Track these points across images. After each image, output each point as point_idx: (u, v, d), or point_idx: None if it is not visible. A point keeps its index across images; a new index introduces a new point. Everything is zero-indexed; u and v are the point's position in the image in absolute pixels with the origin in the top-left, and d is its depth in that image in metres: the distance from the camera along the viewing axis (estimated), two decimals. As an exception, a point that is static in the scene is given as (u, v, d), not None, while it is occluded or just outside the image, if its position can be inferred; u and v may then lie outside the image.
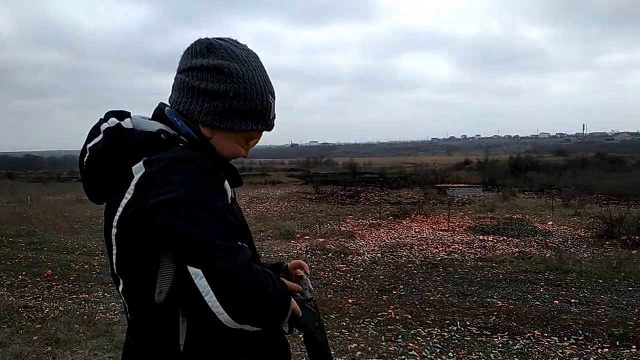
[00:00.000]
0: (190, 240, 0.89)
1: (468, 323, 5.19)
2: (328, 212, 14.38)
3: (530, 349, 4.47)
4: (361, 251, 8.82)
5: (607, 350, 4.48)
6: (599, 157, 43.14)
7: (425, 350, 4.42)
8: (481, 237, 9.90)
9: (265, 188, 24.10)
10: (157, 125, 1.07)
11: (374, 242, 9.65)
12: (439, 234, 10.36)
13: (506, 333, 4.88)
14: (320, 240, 9.66)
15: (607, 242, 9.49)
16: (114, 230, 1.01)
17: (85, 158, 1.08)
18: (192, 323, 0.99)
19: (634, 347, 4.54)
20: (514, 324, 5.16)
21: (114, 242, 1.02)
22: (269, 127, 1.15)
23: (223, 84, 1.06)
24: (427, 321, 5.27)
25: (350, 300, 6.11)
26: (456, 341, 4.68)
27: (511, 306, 5.82)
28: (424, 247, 9.09)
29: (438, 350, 4.42)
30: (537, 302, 5.96)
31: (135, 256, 0.99)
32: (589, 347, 4.56)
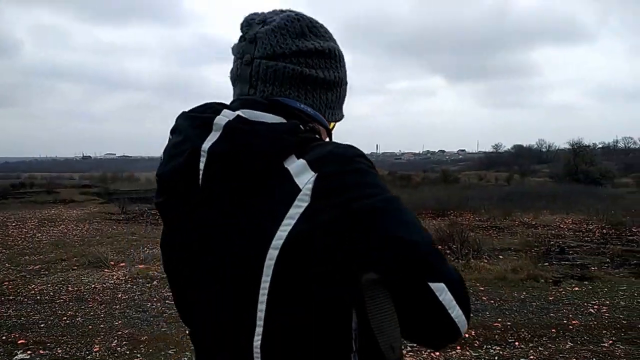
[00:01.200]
0: (427, 252, 0.76)
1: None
2: (142, 234, 13.51)
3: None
4: (188, 276, 8.45)
5: None
6: (392, 175, 48.32)
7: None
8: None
9: (56, 208, 21.58)
10: (274, 117, 0.85)
11: (200, 265, 9.33)
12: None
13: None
14: (141, 266, 9.00)
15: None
16: (271, 252, 0.76)
17: (203, 163, 0.81)
18: None
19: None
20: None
21: (268, 270, 0.77)
22: None
23: (336, 71, 0.95)
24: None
25: (187, 332, 5.77)
26: None
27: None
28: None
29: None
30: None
31: (317, 283, 0.77)
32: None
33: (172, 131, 0.91)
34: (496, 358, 4.82)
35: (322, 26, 0.96)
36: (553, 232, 14.35)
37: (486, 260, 9.75)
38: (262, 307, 0.78)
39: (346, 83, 0.99)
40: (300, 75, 0.90)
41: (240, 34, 0.95)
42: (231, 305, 0.82)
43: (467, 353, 4.97)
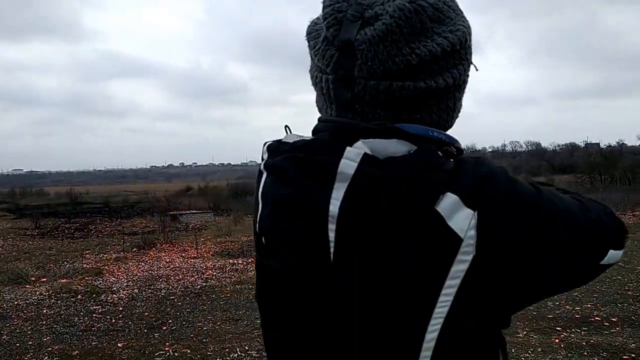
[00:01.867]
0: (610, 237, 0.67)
1: (247, 348, 5.15)
2: (59, 248, 12.51)
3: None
4: (115, 288, 7.91)
5: None
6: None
7: (220, 383, 4.23)
8: (231, 261, 9.98)
9: (-36, 225, 19.47)
10: (400, 144, 0.62)
11: (125, 277, 8.78)
12: (190, 261, 10.02)
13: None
14: (63, 281, 8.32)
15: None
16: (431, 334, 0.58)
17: (333, 232, 0.60)
18: None
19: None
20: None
21: (426, 352, 0.58)
22: None
23: (465, 60, 0.67)
24: (208, 352, 5.04)
25: (120, 345, 5.42)
26: (243, 368, 4.61)
27: (278, 324, 6.01)
28: (180, 276, 8.68)
29: (231, 381, 4.28)
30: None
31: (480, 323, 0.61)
32: None
33: (275, 172, 0.67)
34: None
35: (446, 1, 0.65)
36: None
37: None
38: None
39: (471, 57, 0.70)
40: (425, 91, 0.63)
41: (324, 31, 0.65)
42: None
43: None
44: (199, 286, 8.00)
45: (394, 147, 0.61)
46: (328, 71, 0.65)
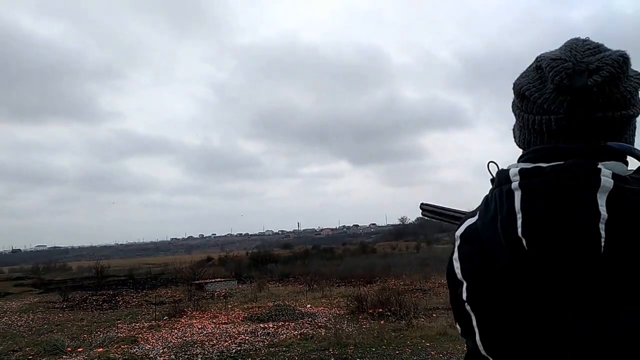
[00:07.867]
0: None
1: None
2: (90, 319, 12.47)
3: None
4: (152, 355, 7.84)
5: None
6: (315, 249, 48.47)
7: None
8: (261, 325, 9.88)
9: (-8, 301, 19.42)
10: (619, 165, 0.79)
11: (161, 344, 8.70)
12: (222, 327, 9.92)
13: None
14: (100, 350, 8.27)
15: (360, 317, 10.50)
16: None
17: (603, 231, 0.72)
18: None
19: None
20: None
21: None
22: None
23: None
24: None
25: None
26: None
27: (319, 384, 5.88)
28: (214, 342, 8.59)
29: None
30: (338, 377, 6.16)
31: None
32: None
33: (542, 188, 0.77)
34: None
35: None
36: (470, 290, 14.73)
37: (423, 319, 9.88)
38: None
39: None
40: (629, 118, 0.82)
41: (551, 83, 0.82)
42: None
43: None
44: (233, 350, 7.91)
45: (619, 167, 0.78)
46: (561, 112, 0.81)
